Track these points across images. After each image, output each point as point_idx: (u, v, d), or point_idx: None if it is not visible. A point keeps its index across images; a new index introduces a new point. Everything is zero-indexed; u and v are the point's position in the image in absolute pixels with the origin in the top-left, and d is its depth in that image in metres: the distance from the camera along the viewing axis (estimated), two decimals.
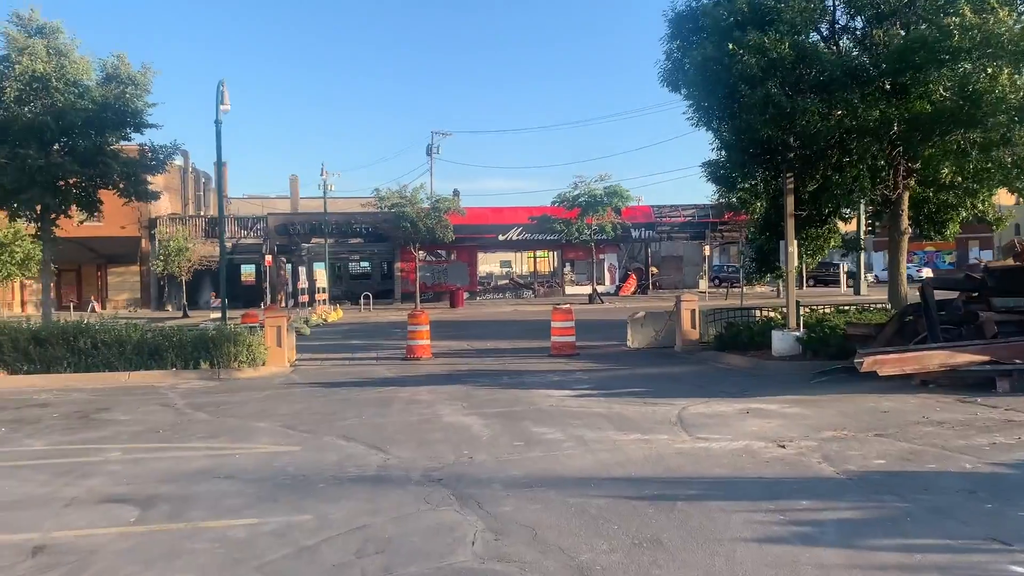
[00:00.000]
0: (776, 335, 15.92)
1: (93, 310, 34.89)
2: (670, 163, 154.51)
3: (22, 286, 44.47)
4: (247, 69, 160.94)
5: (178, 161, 54.45)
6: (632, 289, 50.14)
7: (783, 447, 8.38)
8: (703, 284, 52.88)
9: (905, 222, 16.58)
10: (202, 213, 54.48)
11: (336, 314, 35.20)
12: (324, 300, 36.15)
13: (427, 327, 18.61)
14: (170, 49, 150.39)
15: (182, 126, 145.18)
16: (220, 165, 20.99)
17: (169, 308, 44.92)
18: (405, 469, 7.91)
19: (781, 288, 43.71)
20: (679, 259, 58.16)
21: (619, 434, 9.24)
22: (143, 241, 44.87)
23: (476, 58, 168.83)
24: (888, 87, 14.12)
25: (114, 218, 44.91)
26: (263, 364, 17.16)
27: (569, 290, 50.78)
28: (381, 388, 13.71)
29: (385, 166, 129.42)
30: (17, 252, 36.67)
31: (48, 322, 19.67)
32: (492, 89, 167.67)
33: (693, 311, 19.10)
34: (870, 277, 43.83)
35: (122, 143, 20.60)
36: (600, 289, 45.17)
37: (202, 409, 11.96)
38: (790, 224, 15.90)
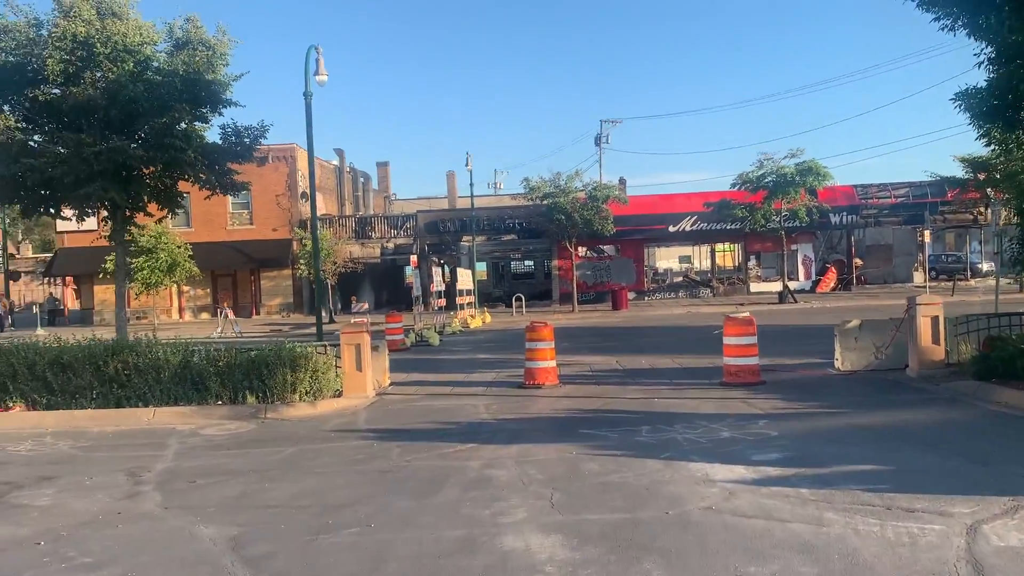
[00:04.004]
0: None
1: (226, 317, 32.94)
2: (874, 138, 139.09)
3: (180, 292, 44.08)
4: (409, 69, 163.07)
5: (334, 160, 53.08)
6: (831, 285, 42.86)
7: None
8: (918, 277, 44.68)
9: None
10: (359, 213, 52.65)
11: (478, 320, 31.24)
12: (468, 303, 32.28)
13: (551, 344, 13.86)
14: (332, 48, 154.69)
15: (339, 126, 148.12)
16: (311, 141, 17.25)
17: (322, 312, 43.03)
18: None
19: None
20: (887, 248, 49.89)
21: None
22: (294, 244, 43.15)
23: (646, 40, 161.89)
24: None
25: (266, 220, 43.80)
26: (336, 394, 13.17)
27: (755, 287, 44.25)
28: (455, 446, 9.12)
29: (553, 160, 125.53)
30: (163, 257, 35.49)
31: (122, 336, 16.78)
32: (664, 72, 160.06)
33: (936, 319, 13.11)
34: None
35: (197, 124, 17.33)
36: (792, 285, 38.43)
37: (168, 485, 7.91)
38: None
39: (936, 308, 13.29)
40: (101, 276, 37.25)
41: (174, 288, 42.29)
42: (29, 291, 68.04)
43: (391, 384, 14.82)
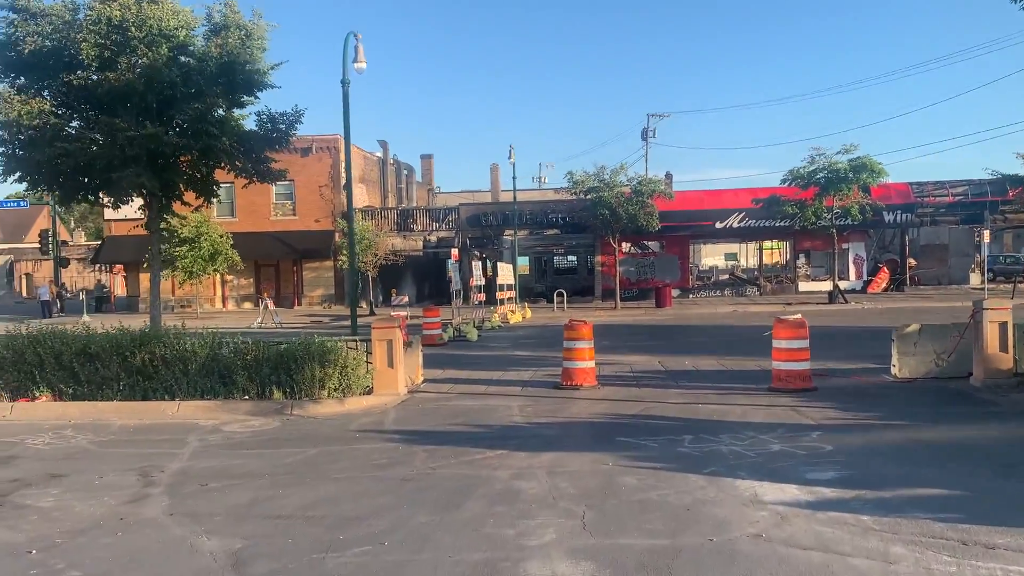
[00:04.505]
0: None
1: (266, 308, 32.83)
2: (931, 134, 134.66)
3: (223, 281, 44.27)
4: (455, 62, 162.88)
5: (378, 152, 52.88)
6: (884, 285, 41.40)
7: None
8: (975, 279, 43.06)
9: None
10: (402, 206, 52.44)
11: (519, 315, 30.66)
12: (508, 298, 31.72)
13: (590, 344, 13.25)
14: (380, 41, 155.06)
15: (384, 119, 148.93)
16: (347, 129, 16.75)
17: (363, 305, 42.88)
18: None
19: None
20: (943, 248, 48.11)
21: None
22: (336, 235, 42.99)
23: (696, 33, 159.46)
24: None
25: (309, 211, 43.76)
26: (367, 391, 12.72)
27: (803, 286, 42.98)
28: (484, 453, 8.57)
29: (599, 154, 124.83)
30: (204, 246, 35.61)
31: (155, 325, 16.59)
32: (714, 66, 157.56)
33: (1004, 324, 12.21)
34: None
35: (235, 111, 17.02)
36: (843, 285, 37.17)
37: (179, 488, 7.49)
38: None
39: (1004, 313, 12.39)
40: (146, 264, 37.50)
41: (217, 277, 42.48)
42: (82, 278, 69.41)
43: (424, 381, 14.34)
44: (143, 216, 18.13)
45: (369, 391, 12.80)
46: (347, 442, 9.46)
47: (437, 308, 24.55)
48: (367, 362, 13.11)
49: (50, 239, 45.21)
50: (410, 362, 14.00)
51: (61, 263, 46.47)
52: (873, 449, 8.29)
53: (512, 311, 30.57)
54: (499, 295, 30.74)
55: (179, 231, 34.51)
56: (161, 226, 18.08)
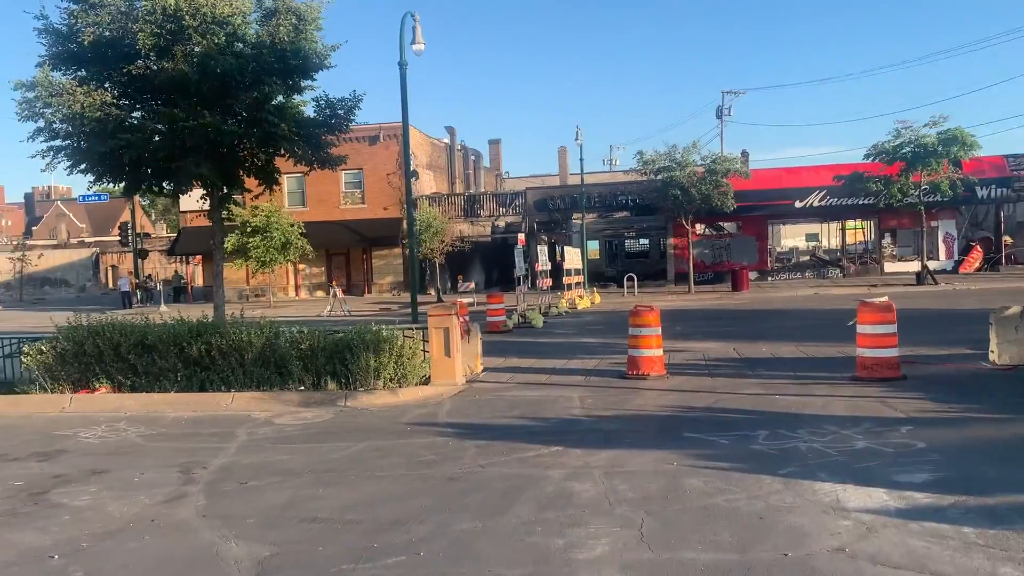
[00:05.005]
0: None
1: (335, 296, 32.93)
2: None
3: (295, 270, 44.77)
4: (525, 45, 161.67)
5: (445, 139, 52.68)
6: (976, 265, 39.14)
7: None
8: None
9: None
10: (469, 191, 52.15)
11: (586, 300, 29.96)
12: (576, 283, 31.03)
13: (657, 331, 12.54)
14: (442, 30, 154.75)
15: (452, 105, 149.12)
16: (406, 112, 16.40)
17: (430, 292, 42.80)
18: None
19: None
20: None
21: None
22: (404, 222, 42.93)
23: (774, 4, 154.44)
24: None
25: (378, 199, 43.88)
26: (424, 381, 12.33)
27: (889, 267, 41.02)
28: (538, 449, 8.00)
29: (672, 134, 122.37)
30: (275, 236, 35.96)
31: (219, 315, 16.55)
32: (793, 40, 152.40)
33: None
34: None
35: (294, 97, 16.81)
36: (932, 266, 35.24)
37: (217, 486, 7.16)
38: None
39: None
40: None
41: (290, 266, 43.01)
42: (164, 270, 71.55)
43: (484, 370, 13.88)
44: (205, 206, 18.13)
45: (426, 381, 12.42)
46: (397, 436, 9.03)
47: (501, 294, 24.10)
48: (424, 351, 12.73)
49: (129, 231, 46.48)
50: (469, 350, 13.55)
51: (140, 255, 47.74)
52: (972, 447, 7.42)
53: (580, 296, 29.91)
54: (566, 280, 30.09)
55: (251, 221, 34.94)
56: (223, 214, 17.99)
